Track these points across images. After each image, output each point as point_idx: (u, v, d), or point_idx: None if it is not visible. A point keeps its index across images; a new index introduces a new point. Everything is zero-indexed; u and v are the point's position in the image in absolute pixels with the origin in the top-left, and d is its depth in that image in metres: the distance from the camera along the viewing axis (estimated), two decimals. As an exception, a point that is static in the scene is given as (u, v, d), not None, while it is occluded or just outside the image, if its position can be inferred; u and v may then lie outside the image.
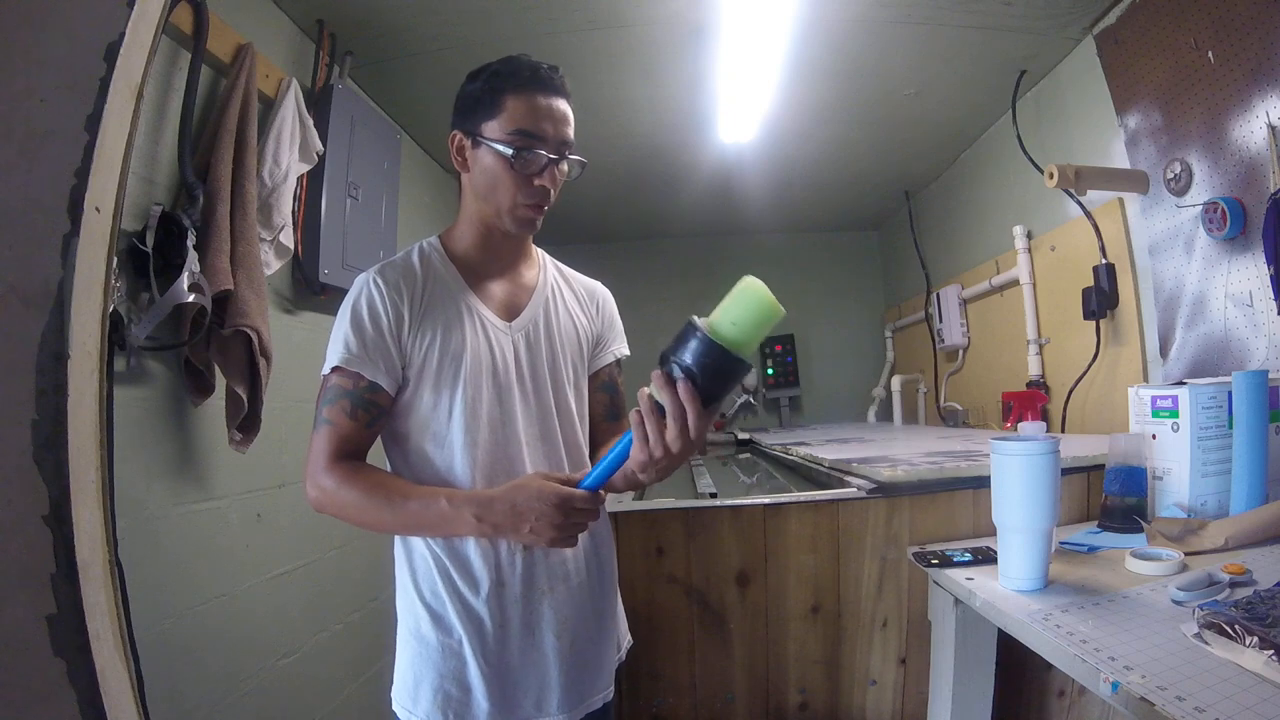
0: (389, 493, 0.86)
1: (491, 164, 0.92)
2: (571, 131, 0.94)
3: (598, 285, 1.14)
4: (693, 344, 0.71)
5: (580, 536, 0.98)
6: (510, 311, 1.00)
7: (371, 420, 0.91)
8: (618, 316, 1.14)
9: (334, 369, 0.90)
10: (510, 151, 0.90)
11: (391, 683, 0.97)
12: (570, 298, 1.08)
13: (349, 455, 0.90)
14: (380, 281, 0.92)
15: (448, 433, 0.93)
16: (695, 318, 0.72)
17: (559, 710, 0.94)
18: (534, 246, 1.09)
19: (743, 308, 0.72)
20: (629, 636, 1.11)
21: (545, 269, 1.08)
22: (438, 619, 0.92)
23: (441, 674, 0.92)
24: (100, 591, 0.68)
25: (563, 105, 0.94)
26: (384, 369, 0.90)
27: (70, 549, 0.66)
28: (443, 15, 1.79)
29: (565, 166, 0.95)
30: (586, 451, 1.04)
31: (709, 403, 0.72)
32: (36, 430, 0.65)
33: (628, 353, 1.13)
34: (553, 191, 0.94)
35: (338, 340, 0.91)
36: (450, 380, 0.93)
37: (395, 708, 0.95)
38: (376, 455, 0.96)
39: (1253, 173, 1.41)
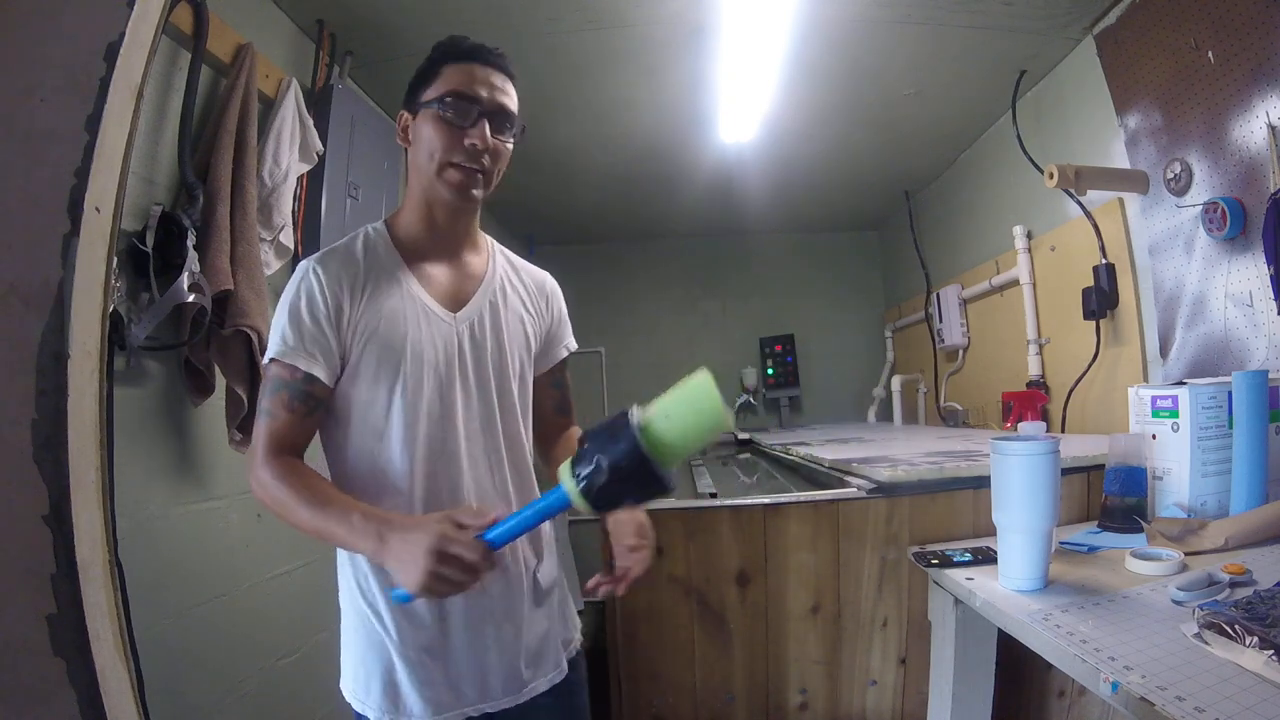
0: (312, 496, 0.84)
1: (425, 127, 0.92)
2: (511, 104, 0.95)
3: (547, 277, 1.13)
4: (620, 445, 0.68)
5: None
6: (456, 302, 0.98)
7: (309, 411, 0.90)
8: (565, 308, 1.14)
9: (272, 360, 0.89)
10: (439, 106, 0.91)
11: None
12: (520, 289, 1.06)
13: (288, 447, 0.89)
14: (320, 271, 0.91)
15: (386, 426, 0.91)
16: (633, 412, 0.70)
17: (503, 694, 0.94)
18: (482, 234, 1.07)
19: (689, 408, 0.69)
20: (579, 635, 1.09)
21: (494, 257, 1.05)
22: (380, 611, 0.92)
23: (386, 665, 0.92)
24: (100, 591, 0.68)
25: (501, 78, 0.94)
26: (321, 360, 0.89)
27: (70, 549, 0.66)
28: (443, 15, 1.79)
29: (510, 144, 0.95)
30: (528, 445, 1.03)
31: (605, 507, 0.73)
32: (36, 430, 0.65)
33: (575, 346, 1.14)
34: (488, 156, 0.92)
35: (276, 331, 0.90)
36: (390, 373, 0.91)
37: (349, 699, 0.95)
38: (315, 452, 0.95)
39: (1253, 173, 1.41)
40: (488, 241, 1.07)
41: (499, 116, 0.93)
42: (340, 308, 0.90)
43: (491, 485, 0.97)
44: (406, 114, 0.96)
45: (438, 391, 0.93)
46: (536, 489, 1.03)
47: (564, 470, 0.73)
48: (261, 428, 0.88)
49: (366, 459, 0.92)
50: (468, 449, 0.94)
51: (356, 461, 0.93)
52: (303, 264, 0.93)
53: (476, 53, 0.94)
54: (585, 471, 0.70)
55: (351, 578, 0.94)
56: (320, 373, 0.89)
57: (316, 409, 0.90)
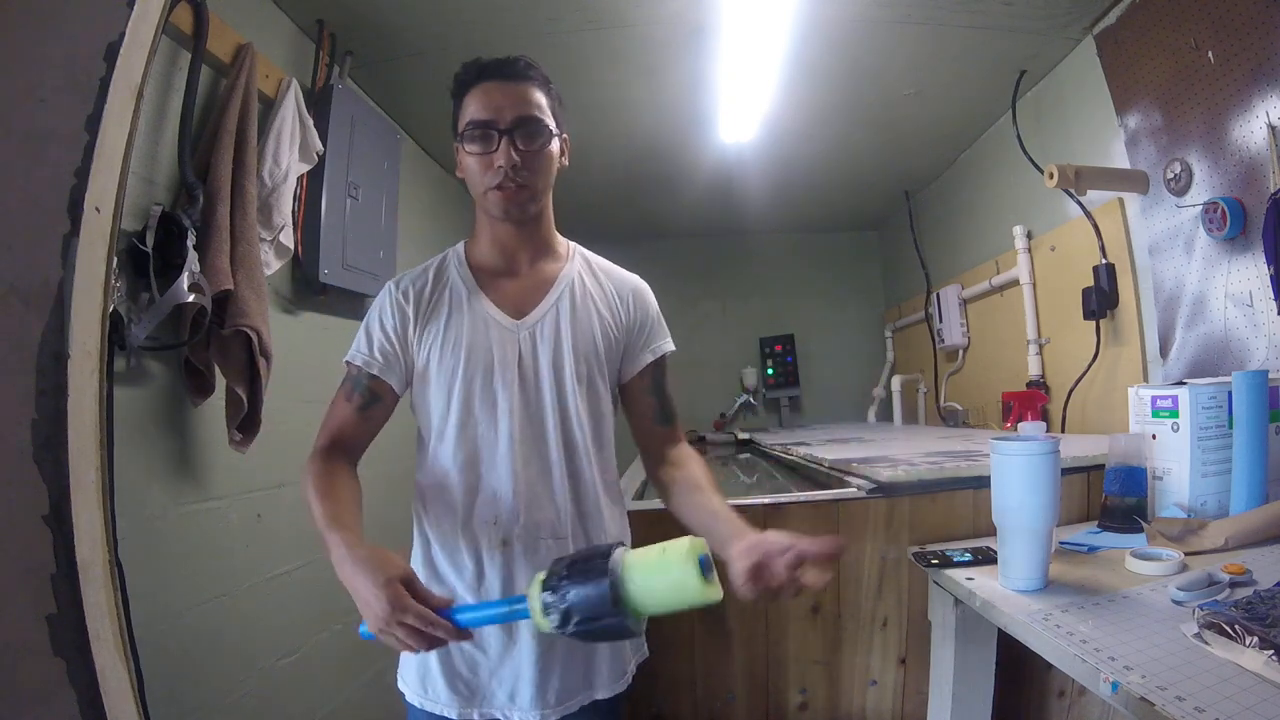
0: (326, 503, 0.86)
1: (464, 160, 0.97)
2: (531, 109, 0.94)
3: (632, 280, 1.09)
4: (591, 589, 0.66)
5: (590, 535, 0.99)
6: (522, 311, 0.99)
7: (366, 403, 0.97)
8: (656, 311, 1.09)
9: (346, 362, 1.00)
10: (464, 140, 0.94)
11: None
12: (596, 293, 1.03)
13: (344, 438, 0.97)
14: (393, 288, 1.01)
15: (446, 428, 0.96)
16: (615, 557, 0.68)
17: (531, 706, 0.93)
18: (562, 239, 1.07)
19: (664, 580, 0.67)
20: (644, 649, 1.07)
21: (571, 262, 1.04)
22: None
23: (425, 653, 0.91)
24: (100, 591, 0.68)
25: (516, 87, 0.94)
26: (382, 361, 0.97)
27: (70, 549, 0.66)
28: (443, 15, 1.79)
29: (546, 146, 0.95)
30: (592, 454, 0.99)
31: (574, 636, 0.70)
32: (36, 430, 0.65)
33: (673, 348, 1.08)
34: (522, 171, 0.92)
35: (355, 339, 1.00)
36: (448, 377, 0.96)
37: (398, 677, 1.01)
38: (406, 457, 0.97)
39: (1253, 173, 1.41)
40: (569, 247, 1.07)
41: (521, 128, 0.93)
42: (406, 318, 0.98)
43: (545, 491, 0.96)
44: (456, 148, 0.99)
45: (490, 396, 0.96)
46: (601, 500, 1.00)
47: (535, 586, 0.70)
48: (326, 417, 0.99)
49: (430, 460, 0.98)
50: (520, 452, 0.95)
51: (426, 463, 0.99)
52: (386, 283, 1.03)
53: (486, 71, 0.94)
54: (553, 601, 0.68)
55: (420, 552, 1.00)
56: (380, 371, 0.97)
57: (374, 403, 0.98)
